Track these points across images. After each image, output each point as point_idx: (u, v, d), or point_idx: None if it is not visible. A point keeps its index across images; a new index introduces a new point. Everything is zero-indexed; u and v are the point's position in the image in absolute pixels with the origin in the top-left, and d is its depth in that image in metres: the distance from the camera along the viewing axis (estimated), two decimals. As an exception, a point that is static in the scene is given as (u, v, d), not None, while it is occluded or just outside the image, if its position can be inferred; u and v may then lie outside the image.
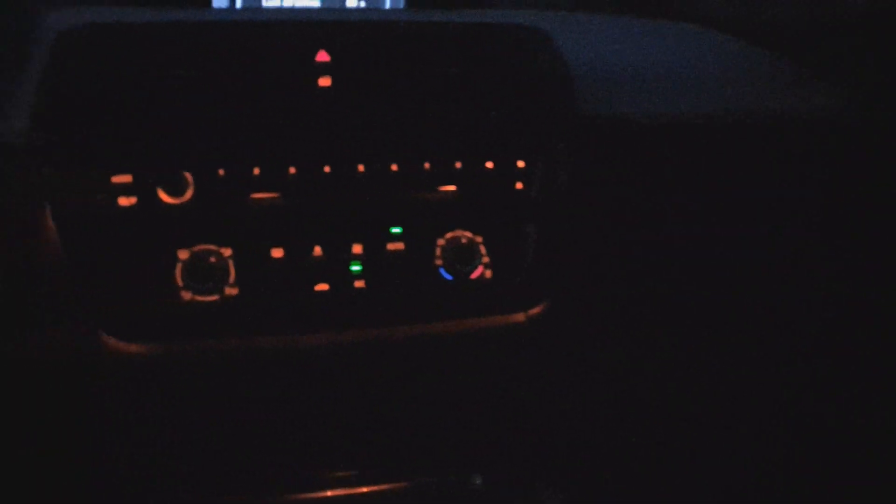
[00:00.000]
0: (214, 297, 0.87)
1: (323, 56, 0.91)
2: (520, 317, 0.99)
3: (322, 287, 0.91)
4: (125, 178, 0.87)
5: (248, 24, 0.93)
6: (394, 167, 0.93)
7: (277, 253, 0.89)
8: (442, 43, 0.96)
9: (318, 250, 0.90)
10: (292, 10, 1.08)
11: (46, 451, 0.98)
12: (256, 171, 0.89)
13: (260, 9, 1.08)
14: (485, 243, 0.94)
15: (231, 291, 0.88)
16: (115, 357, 0.88)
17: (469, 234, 0.94)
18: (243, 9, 1.07)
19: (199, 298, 0.87)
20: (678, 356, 1.16)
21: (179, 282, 0.87)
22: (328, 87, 0.90)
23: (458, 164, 0.94)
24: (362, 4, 1.10)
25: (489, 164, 0.95)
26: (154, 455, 1.01)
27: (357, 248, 0.92)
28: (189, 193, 0.88)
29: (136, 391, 0.93)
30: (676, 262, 1.08)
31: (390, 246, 0.92)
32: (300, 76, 0.89)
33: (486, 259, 0.94)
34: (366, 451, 1.04)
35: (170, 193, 0.87)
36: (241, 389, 0.94)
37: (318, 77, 0.90)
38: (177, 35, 0.90)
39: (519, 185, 0.96)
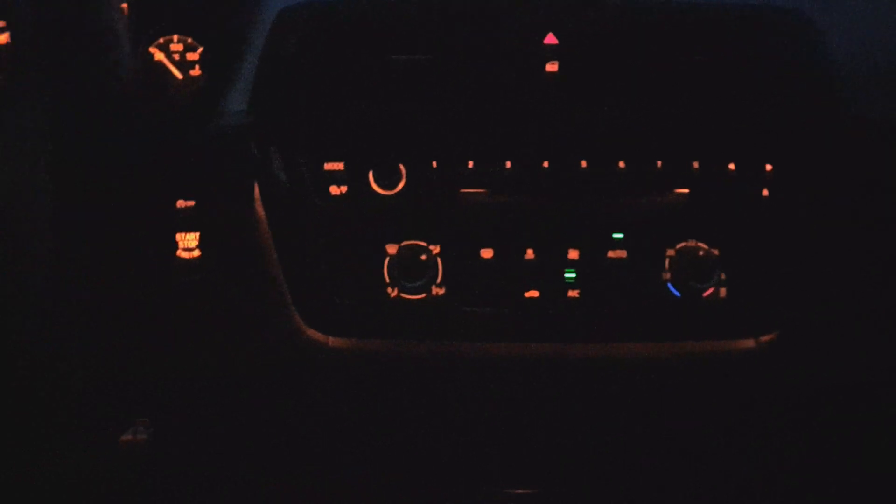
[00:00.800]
0: (421, 296, 0.82)
1: (551, 39, 0.84)
2: (749, 343, 0.87)
3: (532, 294, 0.83)
4: (337, 166, 0.84)
5: (470, 4, 0.86)
6: (621, 165, 0.83)
7: (487, 254, 0.83)
8: (683, 27, 0.84)
9: (530, 253, 0.83)
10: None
11: (234, 437, 0.99)
12: (470, 164, 0.83)
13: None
14: (722, 257, 0.83)
15: (438, 291, 0.83)
16: (314, 350, 0.86)
17: (705, 246, 0.83)
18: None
19: (406, 296, 0.83)
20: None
21: (387, 278, 0.83)
22: (555, 73, 0.83)
23: (695, 165, 0.83)
24: (582, -18, 1.01)
25: (731, 166, 0.83)
26: (340, 449, 1.00)
27: (573, 254, 0.83)
28: (401, 185, 0.83)
29: (331, 385, 0.91)
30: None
31: (611, 253, 0.83)
32: (526, 60, 0.82)
33: (723, 275, 0.83)
34: (557, 472, 0.96)
35: (382, 184, 0.83)
36: (436, 392, 0.89)
37: (545, 62, 0.83)
38: (395, 16, 0.85)
39: (765, 192, 0.83)
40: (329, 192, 0.83)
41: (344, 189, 0.83)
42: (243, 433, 0.97)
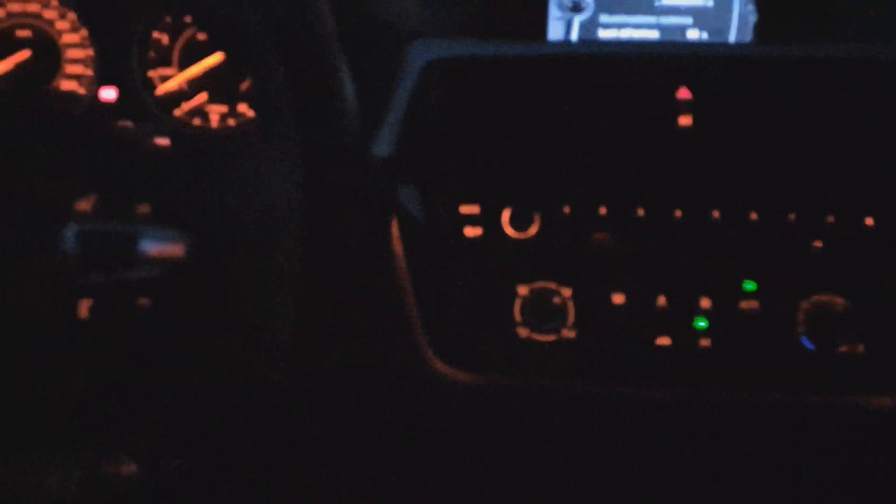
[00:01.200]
0: (552, 338, 0.84)
1: (684, 93, 0.86)
2: (884, 401, 0.85)
3: (663, 341, 0.84)
4: (473, 209, 0.88)
5: (603, 58, 0.90)
6: (753, 216, 0.84)
7: (619, 299, 0.84)
8: (819, 79, 0.86)
9: (662, 300, 0.85)
10: (630, 42, 1.04)
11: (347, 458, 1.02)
12: (603, 210, 0.86)
13: (597, 41, 1.05)
14: (858, 312, 0.82)
15: (568, 334, 0.84)
16: (440, 382, 0.89)
17: (841, 300, 0.83)
18: (580, 41, 1.06)
19: (536, 337, 0.85)
20: None
21: (518, 317, 0.85)
22: (688, 126, 0.85)
23: (830, 218, 0.83)
24: (704, 36, 1.03)
25: (868, 221, 0.83)
26: (456, 481, 1.01)
27: (705, 303, 0.84)
28: (534, 229, 0.86)
29: (454, 419, 0.93)
30: None
31: (743, 304, 0.83)
32: (660, 113, 0.84)
33: (858, 331, 0.82)
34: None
35: (515, 227, 0.87)
36: (559, 433, 0.90)
37: (678, 115, 0.85)
38: (534, 69, 0.89)
39: (905, 248, 0.83)
40: (464, 233, 0.87)
41: (478, 231, 0.87)
42: (361, 458, 1.00)
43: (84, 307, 0.56)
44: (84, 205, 0.57)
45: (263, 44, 0.56)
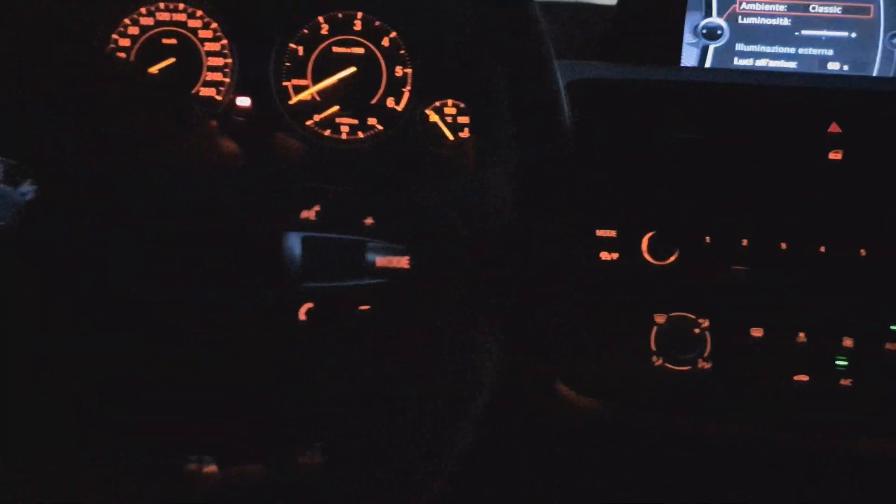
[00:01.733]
0: (686, 368, 0.84)
1: (834, 128, 0.85)
2: None
3: (801, 378, 0.83)
4: (610, 233, 0.88)
5: (755, 89, 0.89)
6: (901, 256, 0.83)
7: (757, 332, 0.84)
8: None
9: (801, 336, 0.84)
10: (767, 71, 1.02)
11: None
12: (745, 242, 0.85)
13: (731, 70, 1.04)
14: None
15: (704, 365, 0.84)
16: (563, 407, 0.89)
17: None
18: (713, 68, 1.05)
19: (670, 367, 0.85)
20: None
21: (653, 346, 0.85)
22: (838, 161, 0.84)
23: (984, 262, 0.82)
24: (845, 69, 1.02)
25: None
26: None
27: (847, 342, 0.83)
28: (674, 257, 0.86)
29: (573, 445, 0.93)
30: None
31: (888, 346, 0.82)
32: (810, 147, 0.84)
33: None
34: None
35: (654, 255, 0.87)
36: (684, 467, 0.90)
37: (827, 150, 0.84)
38: (681, 96, 0.88)
39: None
40: (599, 257, 0.88)
41: (615, 256, 0.87)
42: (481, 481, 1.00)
43: (303, 310, 0.58)
44: (308, 213, 0.59)
45: (486, 50, 0.56)
